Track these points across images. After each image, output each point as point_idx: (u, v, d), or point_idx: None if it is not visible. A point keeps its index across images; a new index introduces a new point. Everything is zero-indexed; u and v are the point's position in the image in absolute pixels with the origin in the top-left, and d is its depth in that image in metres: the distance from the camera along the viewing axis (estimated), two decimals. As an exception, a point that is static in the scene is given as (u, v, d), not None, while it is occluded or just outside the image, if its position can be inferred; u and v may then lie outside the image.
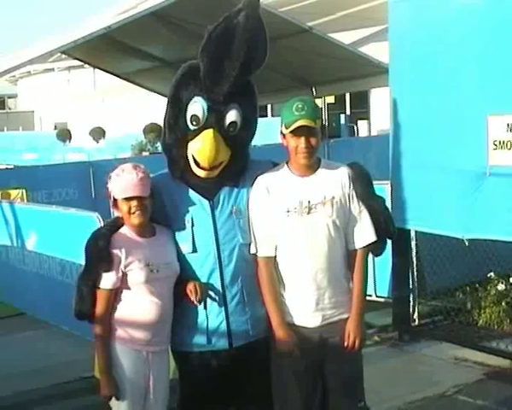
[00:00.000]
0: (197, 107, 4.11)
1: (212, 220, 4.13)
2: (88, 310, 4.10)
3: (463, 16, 6.45)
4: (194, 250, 4.13)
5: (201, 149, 4.04)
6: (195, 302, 4.06)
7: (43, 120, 53.84)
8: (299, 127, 4.02)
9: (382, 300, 8.05)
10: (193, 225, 4.13)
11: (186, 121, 4.14)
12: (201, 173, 4.11)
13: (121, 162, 4.34)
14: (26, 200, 11.89)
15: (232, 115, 4.12)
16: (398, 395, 6.23)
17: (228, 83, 4.03)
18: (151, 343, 4.13)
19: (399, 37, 7.10)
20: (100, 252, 4.04)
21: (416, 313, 7.64)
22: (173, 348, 4.28)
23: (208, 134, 4.04)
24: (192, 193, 4.17)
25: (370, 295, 7.73)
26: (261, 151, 13.99)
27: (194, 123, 4.12)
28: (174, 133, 4.22)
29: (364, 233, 4.17)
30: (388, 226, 4.31)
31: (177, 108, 4.19)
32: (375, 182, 4.37)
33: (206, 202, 4.15)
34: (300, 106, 4.04)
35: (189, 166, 4.13)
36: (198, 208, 4.15)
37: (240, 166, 4.22)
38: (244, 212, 4.17)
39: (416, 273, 7.58)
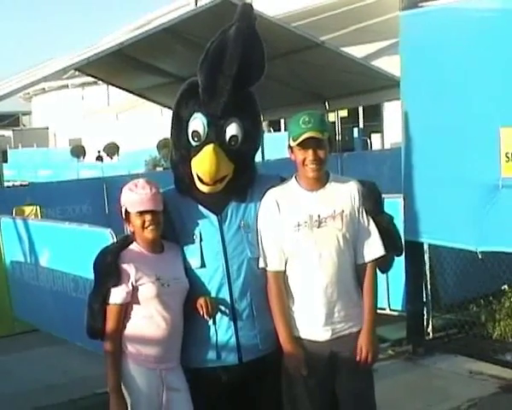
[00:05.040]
0: (197, 123, 4.12)
1: (221, 235, 4.12)
2: (100, 327, 4.08)
3: (475, 28, 6.45)
4: (203, 265, 4.12)
5: (202, 164, 4.05)
6: (205, 317, 4.05)
7: (57, 136, 54.16)
8: (306, 139, 4.02)
9: (396, 313, 8.02)
10: (201, 240, 4.12)
11: (188, 138, 4.15)
12: (205, 189, 4.11)
13: (135, 178, 4.35)
14: (39, 216, 11.94)
15: (232, 129, 4.11)
16: (413, 409, 6.20)
17: (223, 97, 4.03)
18: (163, 360, 4.10)
19: (411, 50, 7.10)
20: (108, 267, 4.03)
21: (430, 327, 7.61)
22: (183, 365, 4.23)
23: (208, 149, 4.05)
24: (200, 208, 4.17)
25: (384, 309, 7.73)
26: (274, 165, 14.05)
27: (195, 139, 4.13)
28: (179, 151, 4.24)
29: (373, 247, 4.16)
30: (396, 243, 4.32)
31: (179, 125, 4.21)
32: (387, 195, 4.37)
33: (213, 217, 4.15)
34: (307, 119, 4.04)
35: (194, 182, 4.13)
36: (206, 223, 4.14)
37: (245, 179, 4.22)
38: (252, 226, 4.16)
39: (429, 287, 7.55)
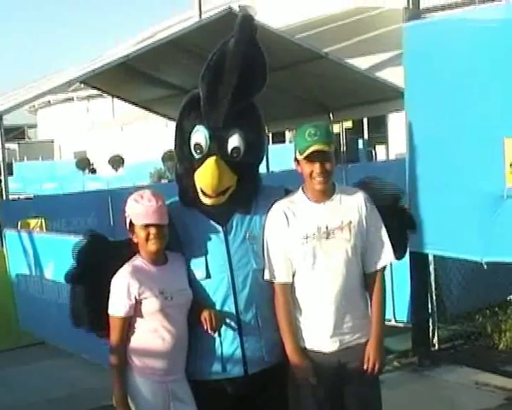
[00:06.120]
0: (199, 135, 4.10)
1: (226, 246, 4.11)
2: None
3: (478, 38, 6.45)
4: (208, 276, 4.10)
5: (204, 177, 4.03)
6: (209, 331, 4.02)
7: (62, 149, 54.23)
8: (313, 152, 4.03)
9: (401, 325, 8.00)
10: (206, 252, 4.11)
11: (190, 151, 4.14)
12: (208, 201, 4.09)
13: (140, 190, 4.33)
14: (45, 229, 11.95)
15: (234, 141, 4.09)
16: (419, 421, 6.21)
17: (223, 109, 4.00)
18: (170, 372, 4.08)
19: (414, 61, 7.10)
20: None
21: (435, 338, 7.60)
22: (188, 377, 4.20)
23: (210, 162, 4.03)
24: (205, 219, 4.15)
25: (389, 320, 7.70)
26: (279, 177, 14.04)
27: (197, 151, 4.11)
28: (183, 163, 4.23)
29: (383, 254, 4.18)
30: (410, 222, 4.76)
31: (182, 138, 4.20)
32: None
33: (219, 228, 4.14)
34: (313, 131, 4.04)
35: (198, 194, 4.12)
36: (211, 234, 4.13)
37: (249, 190, 4.20)
38: (258, 237, 4.15)
39: (434, 297, 7.54)
